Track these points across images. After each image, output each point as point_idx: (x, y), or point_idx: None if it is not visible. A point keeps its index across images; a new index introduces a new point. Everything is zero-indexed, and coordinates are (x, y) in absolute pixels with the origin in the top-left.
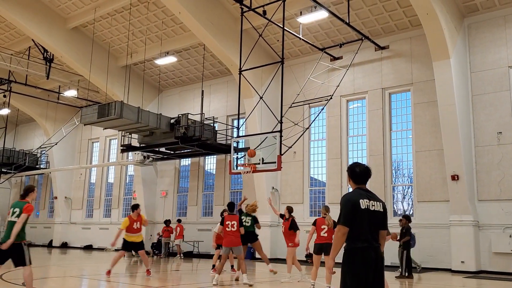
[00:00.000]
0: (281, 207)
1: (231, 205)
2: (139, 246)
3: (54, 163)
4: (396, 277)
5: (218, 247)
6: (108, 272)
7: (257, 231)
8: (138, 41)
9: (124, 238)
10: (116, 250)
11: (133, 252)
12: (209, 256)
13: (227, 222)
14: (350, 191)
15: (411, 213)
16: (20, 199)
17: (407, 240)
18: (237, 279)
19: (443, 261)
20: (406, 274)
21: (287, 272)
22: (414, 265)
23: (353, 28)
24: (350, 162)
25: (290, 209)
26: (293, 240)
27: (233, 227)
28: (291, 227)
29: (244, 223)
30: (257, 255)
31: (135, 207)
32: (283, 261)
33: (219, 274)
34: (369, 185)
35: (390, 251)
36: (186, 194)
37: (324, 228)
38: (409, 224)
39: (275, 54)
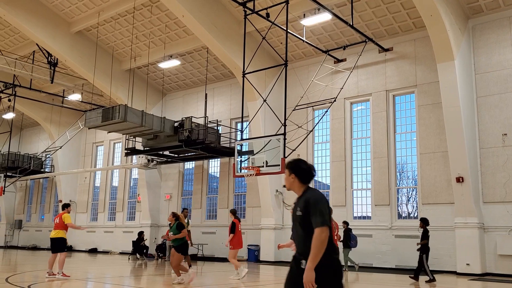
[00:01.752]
0: (285, 211)
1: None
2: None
3: (58, 166)
4: (426, 281)
5: None
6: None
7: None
8: (142, 44)
9: (64, 238)
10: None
11: (138, 255)
12: (213, 259)
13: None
14: (315, 190)
15: (416, 215)
16: None
17: (424, 243)
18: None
19: (448, 263)
20: (432, 277)
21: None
22: (352, 264)
23: (356, 30)
24: (354, 165)
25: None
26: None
27: None
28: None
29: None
30: (262, 257)
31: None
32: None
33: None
34: (374, 187)
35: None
36: (190, 197)
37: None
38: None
39: (278, 57)
